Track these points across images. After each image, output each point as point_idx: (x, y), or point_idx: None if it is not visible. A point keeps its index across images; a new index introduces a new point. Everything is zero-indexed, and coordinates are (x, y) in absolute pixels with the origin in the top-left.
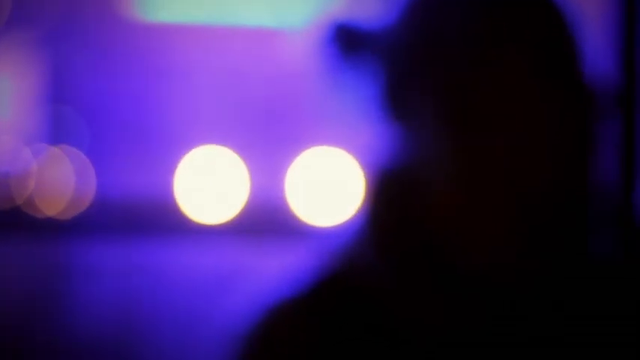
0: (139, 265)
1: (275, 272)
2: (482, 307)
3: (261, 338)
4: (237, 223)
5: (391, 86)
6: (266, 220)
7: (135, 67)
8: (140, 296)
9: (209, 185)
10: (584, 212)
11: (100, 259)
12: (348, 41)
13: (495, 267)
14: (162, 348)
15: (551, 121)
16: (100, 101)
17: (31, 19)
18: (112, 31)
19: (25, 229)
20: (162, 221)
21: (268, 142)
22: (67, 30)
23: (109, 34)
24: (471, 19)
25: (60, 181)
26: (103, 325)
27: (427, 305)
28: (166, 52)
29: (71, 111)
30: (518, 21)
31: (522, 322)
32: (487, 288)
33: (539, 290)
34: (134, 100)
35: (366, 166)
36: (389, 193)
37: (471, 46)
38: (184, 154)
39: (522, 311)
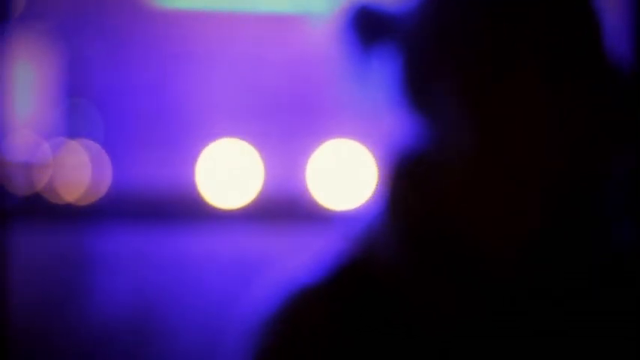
0: (157, 251)
1: (295, 258)
2: (495, 298)
3: (282, 323)
4: (254, 210)
5: (413, 74)
6: (285, 208)
7: (152, 57)
8: (159, 281)
9: (228, 176)
10: (603, 204)
11: (119, 245)
12: (369, 27)
13: (509, 259)
14: (182, 334)
15: (572, 112)
16: (118, 92)
17: (46, 10)
18: (129, 20)
19: (43, 217)
20: (181, 209)
21: (287, 131)
22: (84, 20)
23: (125, 22)
24: (495, 7)
25: (77, 174)
26: (123, 310)
27: (441, 293)
28: (184, 40)
29: (89, 104)
30: (540, 9)
31: (534, 314)
32: (500, 279)
33: (552, 283)
34: (152, 89)
35: (383, 157)
36: (407, 181)
37: (495, 36)
38: (203, 143)
39: (534, 303)
